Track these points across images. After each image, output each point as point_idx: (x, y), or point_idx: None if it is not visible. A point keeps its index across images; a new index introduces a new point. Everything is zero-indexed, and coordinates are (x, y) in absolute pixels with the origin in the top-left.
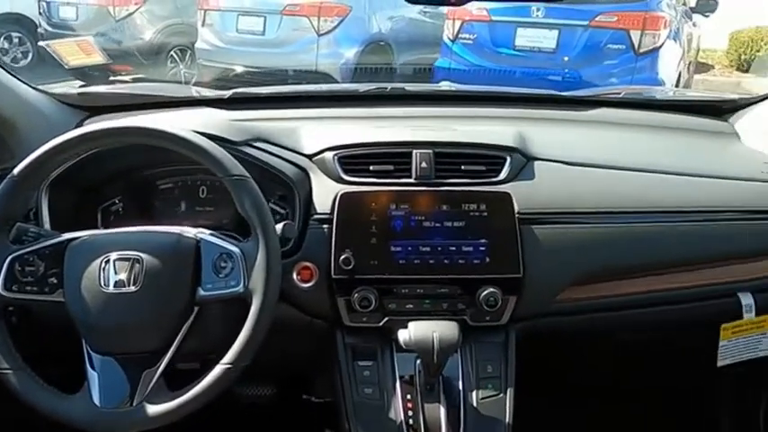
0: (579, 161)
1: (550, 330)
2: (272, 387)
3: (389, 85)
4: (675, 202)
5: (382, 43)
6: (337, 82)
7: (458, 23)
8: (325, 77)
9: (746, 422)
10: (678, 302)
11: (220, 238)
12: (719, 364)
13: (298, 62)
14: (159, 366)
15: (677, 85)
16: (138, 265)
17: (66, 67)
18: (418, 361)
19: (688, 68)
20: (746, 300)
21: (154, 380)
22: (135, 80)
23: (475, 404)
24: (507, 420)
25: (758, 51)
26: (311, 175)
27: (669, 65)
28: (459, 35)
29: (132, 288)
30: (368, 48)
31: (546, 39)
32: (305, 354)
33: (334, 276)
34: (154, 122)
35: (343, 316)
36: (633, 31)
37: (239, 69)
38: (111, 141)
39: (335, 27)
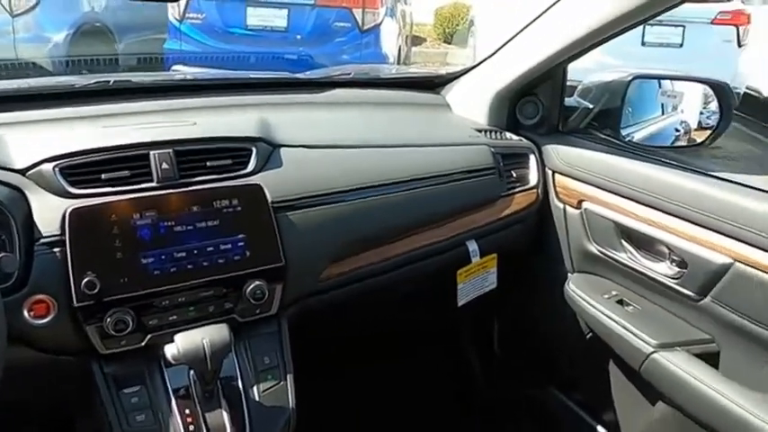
0: (321, 144)
1: (320, 308)
2: None
3: (113, 77)
4: (405, 172)
5: (98, 24)
6: (51, 74)
7: (183, 1)
8: (36, 69)
9: (483, 345)
10: (424, 258)
11: None
12: (460, 303)
13: None
14: None
15: (399, 58)
16: None
17: None
18: (192, 371)
19: (406, 42)
20: (472, 246)
21: None
22: None
23: (257, 398)
24: (291, 405)
25: (458, 26)
26: (27, 194)
27: (390, 40)
28: (187, 15)
29: None
30: (81, 31)
31: (276, 18)
32: (59, 395)
33: (77, 305)
34: None
35: (97, 345)
36: (355, 9)
37: None
38: None
39: (35, 5)
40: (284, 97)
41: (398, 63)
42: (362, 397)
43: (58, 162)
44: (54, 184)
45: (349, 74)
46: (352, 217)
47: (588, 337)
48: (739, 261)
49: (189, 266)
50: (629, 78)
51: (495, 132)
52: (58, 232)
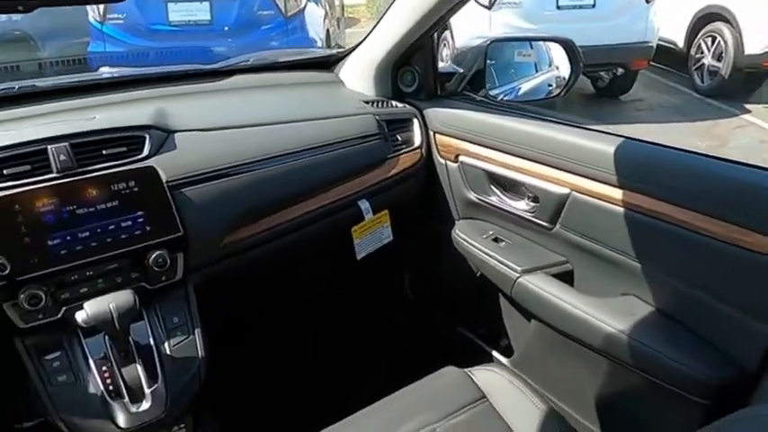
0: (214, 126)
1: (226, 273)
2: None
3: (17, 84)
4: (294, 144)
5: (18, 33)
6: None
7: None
8: None
9: (398, 293)
10: (321, 219)
11: None
12: (359, 257)
13: None
14: None
15: (329, 41)
16: None
17: None
18: (106, 336)
19: (338, 24)
20: (364, 205)
21: None
22: None
23: (168, 352)
24: (200, 355)
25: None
26: None
27: (316, 24)
28: (108, 16)
29: None
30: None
31: (199, 11)
32: None
33: None
34: None
35: (15, 320)
36: None
37: None
38: None
39: None
40: (184, 88)
41: (328, 46)
42: (279, 351)
43: None
44: None
45: (248, 61)
46: (246, 189)
47: (478, 275)
48: (575, 191)
49: (93, 244)
50: (487, 43)
51: (382, 102)
52: None
